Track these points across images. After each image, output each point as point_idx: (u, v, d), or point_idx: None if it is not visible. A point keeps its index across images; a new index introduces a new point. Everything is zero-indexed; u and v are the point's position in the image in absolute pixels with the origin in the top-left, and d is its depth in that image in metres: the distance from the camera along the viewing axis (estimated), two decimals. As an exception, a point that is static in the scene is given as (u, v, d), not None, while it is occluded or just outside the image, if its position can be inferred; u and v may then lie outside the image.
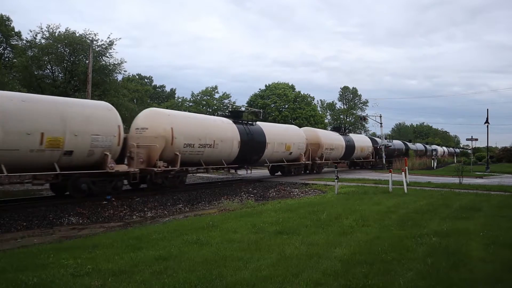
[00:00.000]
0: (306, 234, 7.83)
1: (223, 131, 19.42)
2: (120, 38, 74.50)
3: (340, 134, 34.37)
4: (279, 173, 26.22)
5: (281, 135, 24.55)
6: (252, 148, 21.25)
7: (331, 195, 15.51)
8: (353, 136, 38.11)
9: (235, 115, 22.12)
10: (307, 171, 28.70)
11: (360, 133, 46.09)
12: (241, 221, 9.32)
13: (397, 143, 49.14)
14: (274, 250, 6.60)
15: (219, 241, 7.24)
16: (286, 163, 25.16)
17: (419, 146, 61.57)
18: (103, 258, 6.09)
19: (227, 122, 20.42)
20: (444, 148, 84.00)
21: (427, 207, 11.53)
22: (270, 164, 24.62)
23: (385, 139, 44.88)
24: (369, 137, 43.47)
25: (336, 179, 16.25)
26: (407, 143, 55.50)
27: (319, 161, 29.21)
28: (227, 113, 23.69)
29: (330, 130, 35.47)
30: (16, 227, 10.35)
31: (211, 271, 5.40)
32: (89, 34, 35.00)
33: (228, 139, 19.55)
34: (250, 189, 18.99)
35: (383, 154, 40.33)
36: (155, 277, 5.22)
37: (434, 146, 72.36)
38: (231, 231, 8.12)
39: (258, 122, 23.51)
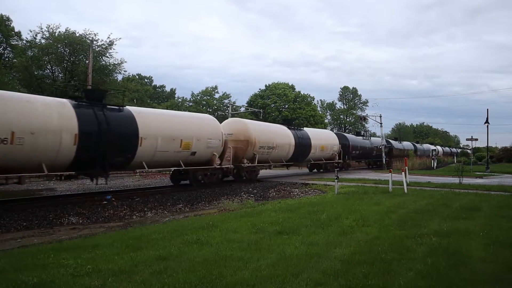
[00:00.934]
0: (306, 234, 7.83)
1: (38, 118, 12.21)
2: (120, 38, 74.67)
3: (290, 129, 26.77)
4: (187, 181, 19.13)
5: (171, 127, 16.90)
6: (109, 145, 14.07)
7: (331, 195, 15.51)
8: (310, 130, 30.03)
9: (89, 95, 14.82)
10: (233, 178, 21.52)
11: (360, 133, 43.48)
12: (241, 221, 9.32)
13: (378, 142, 41.71)
14: (274, 250, 6.60)
15: (219, 241, 7.24)
16: (185, 167, 17.63)
17: (406, 145, 54.76)
18: (103, 258, 6.09)
19: (57, 104, 13.14)
20: (439, 147, 76.67)
21: (427, 207, 11.53)
22: (172, 169, 18.85)
23: (361, 136, 40.98)
24: (335, 133, 36.02)
25: (336, 179, 16.27)
26: (391, 141, 48.67)
27: (248, 164, 21.54)
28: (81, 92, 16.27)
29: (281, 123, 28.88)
30: (16, 227, 10.34)
31: (211, 271, 5.40)
32: (89, 34, 35.09)
33: (51, 131, 12.38)
34: (250, 189, 18.97)
35: (383, 154, 40.27)
36: (155, 277, 5.22)
37: (426, 145, 67.20)
38: (231, 231, 8.11)
39: (129, 107, 16.58)
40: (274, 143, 23.68)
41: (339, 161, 32.85)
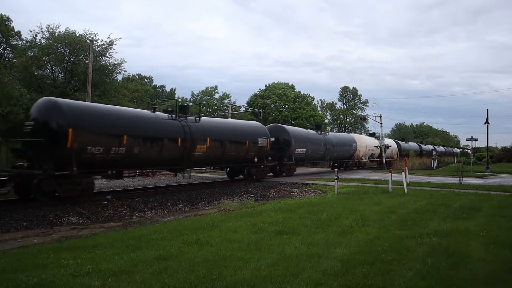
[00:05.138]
0: (306, 234, 7.83)
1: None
2: (120, 38, 74.37)
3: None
4: None
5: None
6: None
7: (331, 195, 15.50)
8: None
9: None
10: None
11: (360, 133, 42.72)
12: (241, 221, 9.32)
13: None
14: (274, 250, 6.60)
15: (219, 241, 7.24)
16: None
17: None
18: (103, 258, 6.09)
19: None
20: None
21: (427, 207, 11.53)
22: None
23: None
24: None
25: (336, 179, 16.25)
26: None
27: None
28: None
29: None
30: (16, 227, 10.35)
31: (211, 271, 5.40)
32: (89, 34, 35.03)
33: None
34: (250, 189, 18.98)
35: (383, 153, 40.28)
36: (155, 277, 5.22)
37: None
38: (231, 231, 8.12)
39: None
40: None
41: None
